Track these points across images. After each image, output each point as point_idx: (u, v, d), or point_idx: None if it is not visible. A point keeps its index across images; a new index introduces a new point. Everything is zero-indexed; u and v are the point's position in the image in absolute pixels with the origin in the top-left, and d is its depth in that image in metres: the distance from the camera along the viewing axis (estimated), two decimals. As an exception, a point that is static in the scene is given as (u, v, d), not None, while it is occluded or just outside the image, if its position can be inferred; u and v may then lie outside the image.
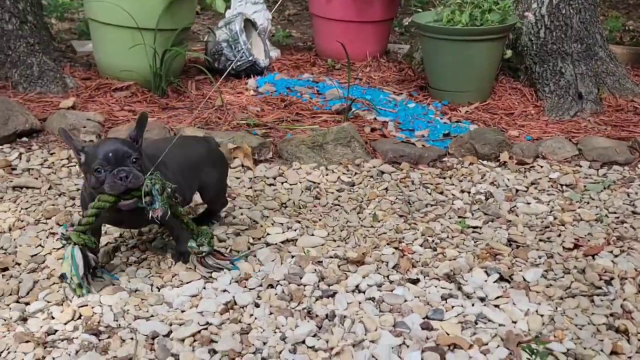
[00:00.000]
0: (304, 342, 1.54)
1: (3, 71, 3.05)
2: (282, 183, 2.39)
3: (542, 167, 2.57)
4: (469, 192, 2.36)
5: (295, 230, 2.06)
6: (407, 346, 1.53)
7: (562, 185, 2.43)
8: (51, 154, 2.46)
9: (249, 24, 3.51)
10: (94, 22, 3.07)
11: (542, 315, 1.66)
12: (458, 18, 3.13)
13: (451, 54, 3.11)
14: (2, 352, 1.45)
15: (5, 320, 1.56)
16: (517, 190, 2.38)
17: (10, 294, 1.67)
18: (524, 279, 1.83)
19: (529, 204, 2.29)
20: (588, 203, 2.31)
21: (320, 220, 2.14)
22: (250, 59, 3.35)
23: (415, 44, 3.74)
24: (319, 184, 2.39)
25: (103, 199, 1.63)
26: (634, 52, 3.85)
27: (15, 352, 1.46)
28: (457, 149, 2.65)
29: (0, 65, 3.05)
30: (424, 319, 1.64)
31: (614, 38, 4.29)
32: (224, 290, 1.73)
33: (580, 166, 2.59)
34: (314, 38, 4.01)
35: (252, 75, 3.43)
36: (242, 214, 2.15)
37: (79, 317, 1.59)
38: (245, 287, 1.75)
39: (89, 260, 1.66)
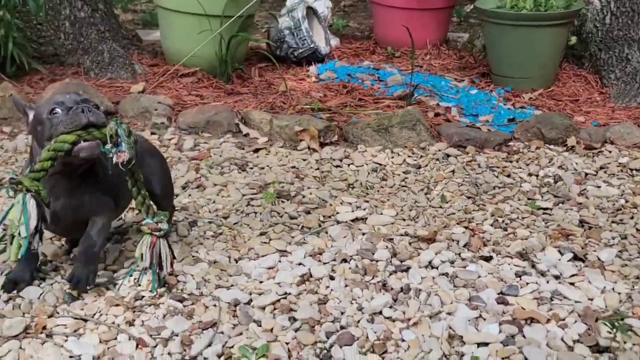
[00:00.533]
0: (381, 312, 1.57)
1: (75, 57, 3.16)
2: (349, 165, 2.43)
3: (610, 152, 2.54)
4: (536, 176, 2.36)
5: (364, 209, 2.09)
6: (484, 319, 1.55)
7: (632, 169, 2.40)
8: (125, 135, 2.54)
9: (310, 12, 3.55)
10: (162, 9, 3.16)
11: (619, 293, 1.65)
12: (522, 4, 3.11)
13: (515, 39, 3.09)
14: (95, 314, 1.52)
15: (96, 285, 1.63)
16: (586, 174, 2.36)
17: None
18: (599, 259, 1.82)
19: (599, 187, 2.26)
20: (660, 187, 2.28)
21: (388, 200, 2.16)
22: (312, 46, 3.39)
23: (476, 32, 3.73)
24: (385, 166, 2.42)
25: (61, 140, 1.41)
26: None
27: (107, 314, 1.53)
28: (523, 134, 2.64)
29: (72, 51, 3.16)
30: (499, 294, 1.65)
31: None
32: (299, 264, 1.77)
33: (650, 151, 2.55)
34: (373, 26, 4.02)
35: (313, 63, 3.47)
36: (311, 193, 2.19)
37: (164, 285, 1.65)
38: (320, 261, 1.79)
39: (43, 214, 1.41)
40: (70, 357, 1.38)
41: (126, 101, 2.72)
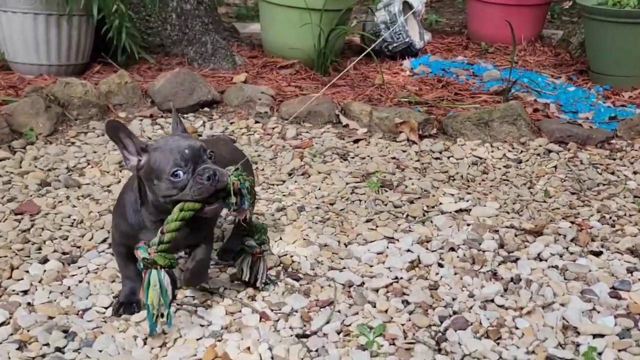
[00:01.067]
0: (492, 300, 1.60)
1: (180, 48, 3.30)
2: (448, 157, 2.45)
3: None
4: (642, 174, 2.32)
5: (467, 200, 2.11)
6: (598, 312, 1.56)
7: None
8: (231, 123, 2.65)
9: (406, 6, 3.58)
10: (264, 3, 3.26)
11: None
12: (626, 1, 3.05)
13: (617, 37, 3.04)
14: (219, 287, 1.62)
15: (216, 264, 1.72)
16: (695, 174, 2.31)
17: (216, 241, 1.84)
18: None
19: None
20: None
21: (490, 193, 2.18)
22: (407, 40, 3.43)
23: (573, 29, 3.67)
24: (485, 159, 2.43)
25: (188, 208, 1.35)
26: None
27: (230, 289, 1.62)
28: (627, 132, 2.60)
29: (178, 42, 3.30)
30: (611, 288, 1.65)
31: None
32: (408, 250, 1.82)
33: None
34: (467, 22, 4.02)
35: (406, 57, 3.50)
36: (412, 183, 2.23)
37: (278, 265, 1.73)
38: (427, 248, 1.83)
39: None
40: (201, 325, 1.48)
41: (231, 91, 2.83)
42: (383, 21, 3.41)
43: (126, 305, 1.51)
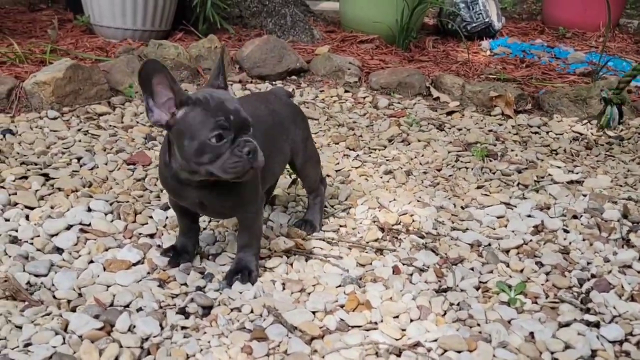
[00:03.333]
0: (630, 266, 1.54)
1: (259, 20, 3.27)
2: (547, 132, 2.39)
3: None
4: None
5: (576, 173, 2.06)
6: None
7: None
8: (321, 91, 2.62)
9: (485, -13, 3.52)
10: (346, -24, 3.22)
11: None
12: None
13: None
14: (339, 240, 1.58)
15: (337, 217, 1.69)
16: None
17: (331, 198, 1.80)
18: None
19: None
20: None
21: (598, 167, 2.12)
22: (486, 20, 3.37)
23: (655, 15, 3.58)
24: (585, 135, 2.37)
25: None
26: None
27: (359, 242, 1.58)
28: None
29: (257, 14, 3.27)
30: None
31: None
32: (528, 215, 1.77)
33: None
34: (542, 7, 3.95)
35: (483, 38, 3.45)
36: (516, 154, 2.18)
37: (399, 223, 1.69)
38: (548, 215, 1.78)
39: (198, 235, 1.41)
40: (340, 274, 1.44)
41: (318, 60, 2.79)
42: (463, 0, 3.35)
43: (176, 252, 1.42)
